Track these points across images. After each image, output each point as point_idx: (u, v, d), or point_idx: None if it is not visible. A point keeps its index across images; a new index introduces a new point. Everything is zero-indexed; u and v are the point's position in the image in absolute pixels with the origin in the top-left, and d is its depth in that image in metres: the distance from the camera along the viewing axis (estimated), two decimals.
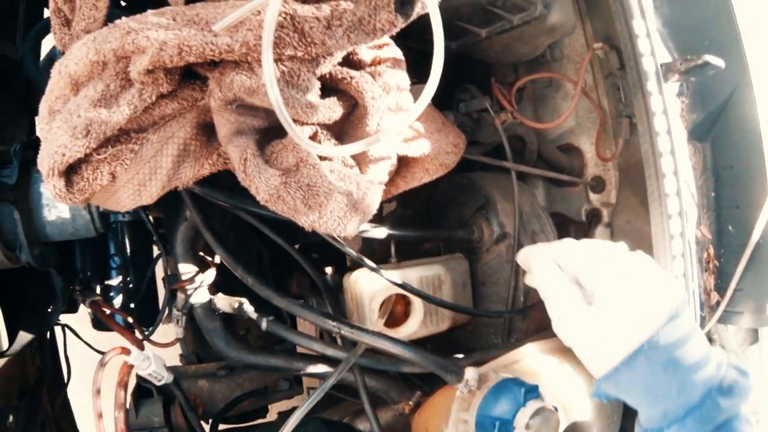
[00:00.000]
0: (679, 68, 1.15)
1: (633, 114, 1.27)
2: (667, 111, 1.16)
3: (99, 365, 1.11)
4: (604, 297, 0.85)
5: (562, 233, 1.47)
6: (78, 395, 1.75)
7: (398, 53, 1.15)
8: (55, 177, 0.89)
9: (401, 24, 1.02)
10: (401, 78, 1.13)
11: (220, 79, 0.94)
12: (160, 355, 1.19)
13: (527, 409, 0.94)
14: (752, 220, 1.22)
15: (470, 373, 1.04)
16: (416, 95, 1.00)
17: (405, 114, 1.10)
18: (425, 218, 1.51)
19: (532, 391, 0.97)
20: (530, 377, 1.02)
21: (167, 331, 1.39)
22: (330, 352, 1.13)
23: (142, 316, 1.45)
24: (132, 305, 1.43)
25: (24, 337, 1.34)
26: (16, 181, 1.16)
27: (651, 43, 1.14)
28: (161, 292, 1.40)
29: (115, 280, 1.41)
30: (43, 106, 0.98)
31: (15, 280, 1.32)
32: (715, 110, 1.26)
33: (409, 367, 1.12)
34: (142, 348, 1.23)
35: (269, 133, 1.04)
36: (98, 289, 1.41)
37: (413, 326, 1.17)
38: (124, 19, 0.96)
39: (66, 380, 1.64)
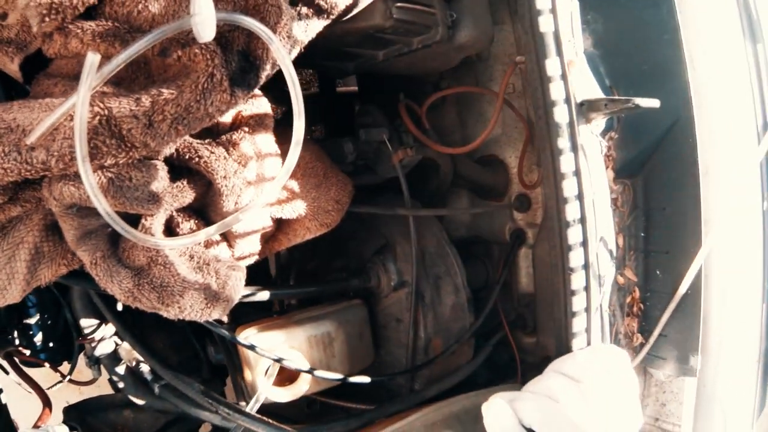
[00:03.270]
0: (604, 109, 0.97)
1: None
2: (578, 165, 1.00)
3: None
4: None
5: (484, 257, 1.36)
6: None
7: (262, 107, 0.99)
8: None
9: (244, 97, 0.85)
10: (263, 142, 0.98)
11: (49, 189, 0.83)
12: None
13: None
14: (682, 267, 1.10)
15: None
16: None
17: (265, 190, 0.96)
18: (328, 247, 1.39)
19: None
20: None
21: None
22: (216, 421, 1.09)
23: (64, 350, 1.41)
24: (51, 344, 1.38)
25: None
26: None
27: (567, 86, 0.95)
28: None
29: (33, 319, 1.36)
30: None
31: None
32: (651, 145, 1.09)
33: None
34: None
35: None
36: (15, 333, 1.36)
37: (301, 390, 1.13)
38: None
39: None
